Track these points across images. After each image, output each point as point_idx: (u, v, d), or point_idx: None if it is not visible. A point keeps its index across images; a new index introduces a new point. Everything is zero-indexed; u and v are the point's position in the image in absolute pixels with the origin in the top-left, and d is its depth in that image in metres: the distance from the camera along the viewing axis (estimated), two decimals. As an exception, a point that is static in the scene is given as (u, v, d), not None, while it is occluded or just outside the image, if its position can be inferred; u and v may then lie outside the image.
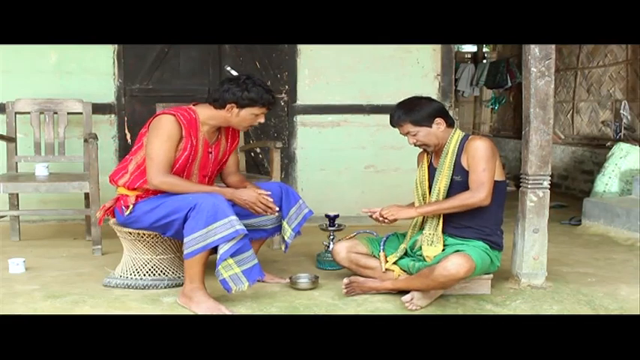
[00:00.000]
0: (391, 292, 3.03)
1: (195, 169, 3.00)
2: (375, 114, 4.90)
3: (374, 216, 3.01)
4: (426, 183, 3.09)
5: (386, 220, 2.97)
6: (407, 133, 3.02)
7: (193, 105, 3.03)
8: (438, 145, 3.02)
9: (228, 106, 2.91)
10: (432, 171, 3.10)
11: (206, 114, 2.97)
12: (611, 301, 3.03)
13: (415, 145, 3.05)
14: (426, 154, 3.15)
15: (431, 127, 2.98)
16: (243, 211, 2.97)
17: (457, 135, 3.03)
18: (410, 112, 2.98)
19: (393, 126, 3.06)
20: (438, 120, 2.98)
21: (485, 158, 2.90)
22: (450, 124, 3.04)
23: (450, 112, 4.93)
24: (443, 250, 2.95)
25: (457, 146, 2.99)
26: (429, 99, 3.10)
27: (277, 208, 3.04)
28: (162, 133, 2.85)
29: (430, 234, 2.99)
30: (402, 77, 4.93)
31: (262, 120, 3.01)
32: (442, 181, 2.99)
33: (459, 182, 2.97)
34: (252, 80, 2.94)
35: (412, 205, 3.14)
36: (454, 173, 2.98)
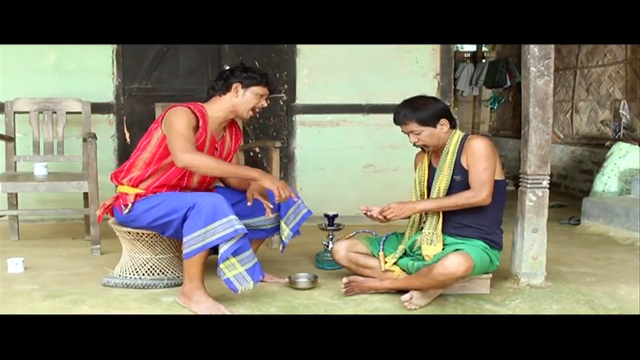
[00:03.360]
0: (390, 291, 3.03)
1: None
2: (375, 113, 4.90)
3: (371, 214, 2.99)
4: (425, 183, 3.09)
5: (381, 218, 2.96)
6: (410, 132, 3.00)
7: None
8: (438, 145, 3.02)
9: (233, 86, 3.00)
10: (431, 171, 3.10)
11: (212, 108, 3.03)
12: (611, 300, 3.03)
13: (415, 145, 3.05)
14: (425, 155, 3.14)
15: (435, 127, 2.97)
16: (242, 211, 2.97)
17: (457, 135, 3.03)
18: (417, 110, 2.96)
19: (397, 124, 3.04)
20: (443, 121, 2.98)
21: (486, 157, 2.90)
22: (453, 125, 3.04)
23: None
24: (442, 249, 2.95)
25: (457, 146, 2.99)
26: (434, 99, 3.09)
27: (289, 197, 3.02)
28: (182, 120, 2.86)
29: (430, 233, 2.99)
30: (402, 77, 4.92)
31: (265, 104, 3.09)
32: (442, 180, 2.99)
33: (460, 182, 2.97)
34: (249, 66, 3.14)
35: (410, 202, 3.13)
36: (454, 173, 2.98)
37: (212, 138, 3.02)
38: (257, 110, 3.09)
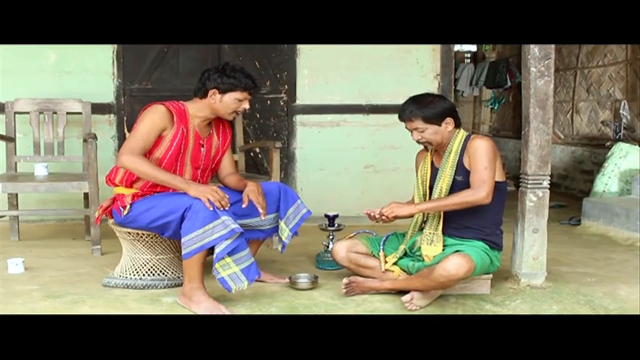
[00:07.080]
0: (391, 292, 3.03)
1: (188, 160, 3.03)
2: (375, 114, 4.90)
3: (374, 214, 3.00)
4: (428, 183, 3.09)
5: (384, 218, 2.96)
6: (414, 129, 2.99)
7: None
8: (441, 144, 3.02)
9: (210, 92, 2.99)
10: (433, 170, 3.09)
11: (194, 107, 3.06)
12: (611, 301, 3.03)
13: (418, 142, 3.04)
14: (428, 154, 3.14)
15: (440, 125, 2.97)
16: (240, 211, 2.97)
17: (461, 135, 3.02)
18: (423, 107, 2.96)
19: (402, 120, 3.02)
20: (448, 120, 2.98)
21: (487, 157, 2.90)
22: (458, 124, 3.03)
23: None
24: (442, 250, 2.95)
25: (460, 146, 2.99)
26: (442, 97, 3.09)
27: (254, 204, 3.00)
28: (144, 119, 2.94)
29: (430, 233, 2.99)
30: (402, 77, 4.92)
31: (247, 106, 3.07)
32: (444, 180, 2.99)
33: (461, 182, 2.96)
34: (231, 66, 3.04)
35: (411, 202, 3.13)
36: (456, 173, 2.97)
37: (196, 135, 3.04)
38: (240, 113, 3.10)
